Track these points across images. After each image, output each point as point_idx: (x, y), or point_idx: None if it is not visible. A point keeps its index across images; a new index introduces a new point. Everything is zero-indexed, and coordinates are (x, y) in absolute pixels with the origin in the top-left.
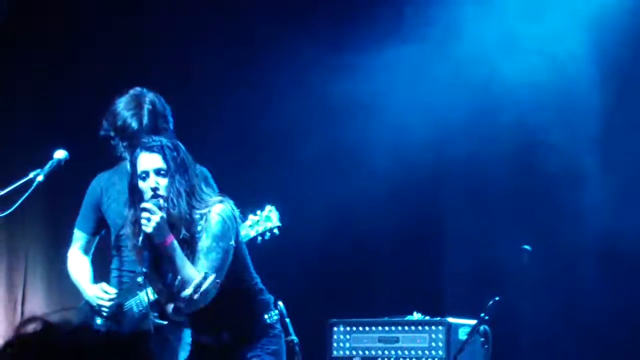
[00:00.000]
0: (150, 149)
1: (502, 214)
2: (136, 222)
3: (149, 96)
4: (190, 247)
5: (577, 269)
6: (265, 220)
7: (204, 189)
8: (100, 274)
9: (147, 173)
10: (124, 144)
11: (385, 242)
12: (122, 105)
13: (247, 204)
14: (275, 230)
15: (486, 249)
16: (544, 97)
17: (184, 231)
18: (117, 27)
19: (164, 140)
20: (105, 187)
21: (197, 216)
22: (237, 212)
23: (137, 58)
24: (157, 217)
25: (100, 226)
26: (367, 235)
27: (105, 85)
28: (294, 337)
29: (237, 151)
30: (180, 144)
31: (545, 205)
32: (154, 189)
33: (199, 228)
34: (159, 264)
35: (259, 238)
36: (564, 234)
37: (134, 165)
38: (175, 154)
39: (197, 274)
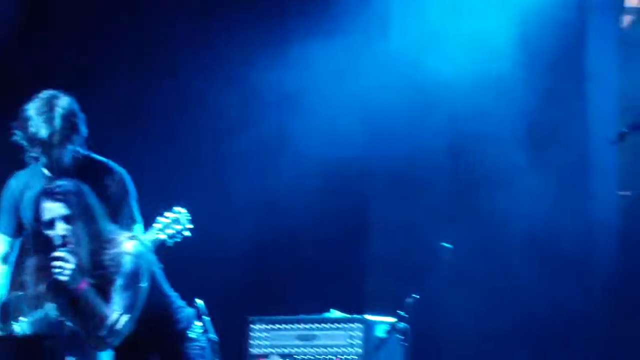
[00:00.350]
0: (53, 196)
1: (429, 210)
2: (41, 270)
3: (62, 99)
4: (103, 288)
5: (504, 265)
6: (175, 222)
7: (112, 228)
8: None
9: (53, 221)
10: (36, 150)
11: (309, 239)
12: (33, 110)
13: (170, 200)
14: (186, 232)
15: (410, 246)
16: (473, 92)
17: (94, 274)
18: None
19: (68, 186)
20: (22, 189)
21: (108, 257)
22: (148, 244)
23: (60, 50)
24: (71, 265)
25: (22, 228)
26: (291, 231)
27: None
28: (213, 336)
29: (163, 145)
30: (83, 186)
31: (474, 201)
32: (64, 237)
33: (111, 269)
34: (74, 306)
35: (169, 240)
36: (492, 231)
37: (37, 211)
38: (79, 199)
39: (111, 314)
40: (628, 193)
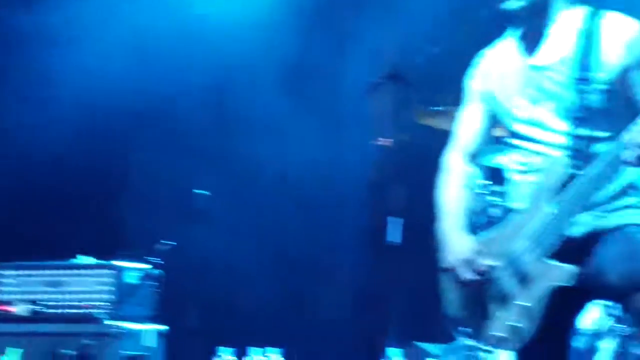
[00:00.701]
0: None
1: (189, 155)
2: None
3: None
4: None
5: (261, 210)
6: None
7: None
8: None
9: None
10: None
11: (66, 182)
12: None
13: None
14: None
15: (169, 192)
16: (235, 38)
17: None
18: None
19: None
20: None
21: None
22: None
23: None
24: None
25: None
26: (46, 174)
27: None
28: None
29: None
30: None
31: (235, 146)
32: None
33: None
34: None
35: None
36: (250, 176)
37: None
38: None
39: None
40: (381, 142)
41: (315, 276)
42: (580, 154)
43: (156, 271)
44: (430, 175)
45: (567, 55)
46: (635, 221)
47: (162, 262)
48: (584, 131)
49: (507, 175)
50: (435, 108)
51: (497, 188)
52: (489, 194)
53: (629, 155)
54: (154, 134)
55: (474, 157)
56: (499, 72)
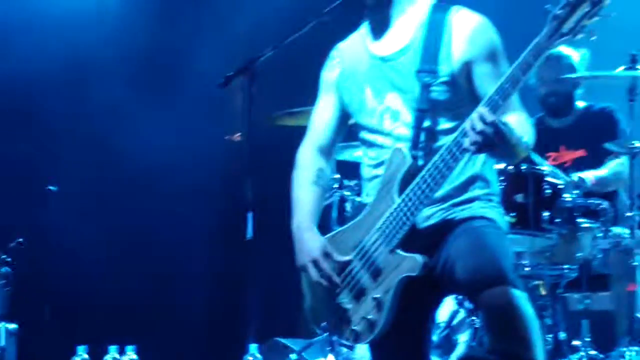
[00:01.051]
0: None
1: (45, 147)
2: None
3: None
4: None
5: (120, 202)
6: None
7: None
8: None
9: None
10: None
11: None
12: None
13: None
14: None
15: (22, 185)
16: (87, 30)
17: None
18: None
19: None
20: None
21: None
22: None
23: None
24: None
25: None
26: None
27: None
28: None
29: None
30: None
31: (93, 137)
32: None
33: None
34: None
35: None
36: (109, 167)
37: None
38: None
39: None
40: (234, 137)
41: (172, 271)
42: (424, 145)
43: (6, 269)
44: (285, 171)
45: (409, 47)
46: (482, 213)
47: (14, 259)
48: (427, 123)
49: (361, 169)
50: (294, 110)
51: (351, 182)
52: (343, 189)
53: (466, 142)
54: (6, 125)
55: (327, 150)
56: (349, 64)
